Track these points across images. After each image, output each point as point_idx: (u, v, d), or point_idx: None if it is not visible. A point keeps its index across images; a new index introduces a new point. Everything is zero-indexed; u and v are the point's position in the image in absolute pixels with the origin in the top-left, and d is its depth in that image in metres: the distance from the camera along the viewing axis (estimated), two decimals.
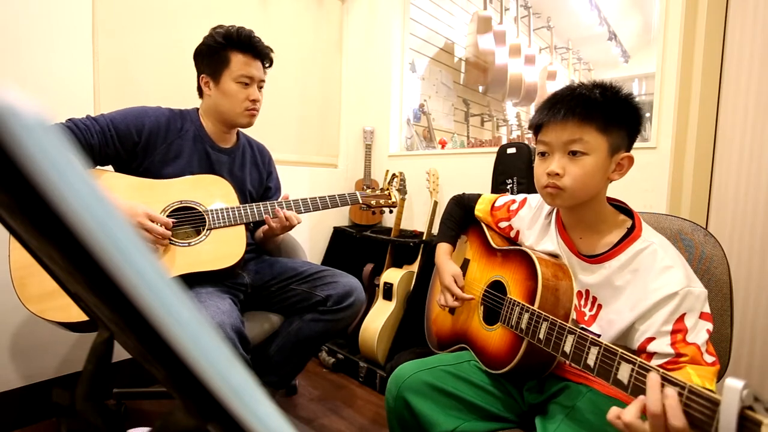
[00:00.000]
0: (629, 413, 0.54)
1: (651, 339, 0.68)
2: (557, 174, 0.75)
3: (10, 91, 0.14)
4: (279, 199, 1.29)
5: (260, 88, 1.26)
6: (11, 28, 1.25)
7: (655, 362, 0.66)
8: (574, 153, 0.74)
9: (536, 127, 0.81)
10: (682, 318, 0.66)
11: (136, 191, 1.10)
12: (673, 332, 0.66)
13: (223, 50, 1.18)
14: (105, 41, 1.46)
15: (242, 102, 1.21)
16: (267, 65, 1.27)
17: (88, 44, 1.42)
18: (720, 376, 0.81)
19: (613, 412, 0.56)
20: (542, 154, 0.79)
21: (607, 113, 0.72)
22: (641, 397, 0.54)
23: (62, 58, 1.36)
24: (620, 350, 0.59)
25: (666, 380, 0.52)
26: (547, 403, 0.81)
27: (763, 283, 1.28)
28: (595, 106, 0.72)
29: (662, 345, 0.66)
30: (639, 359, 0.57)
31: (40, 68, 1.32)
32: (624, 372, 0.58)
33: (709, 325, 0.67)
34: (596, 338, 0.64)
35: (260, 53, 1.22)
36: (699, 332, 0.66)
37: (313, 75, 2.23)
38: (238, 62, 1.19)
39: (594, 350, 0.63)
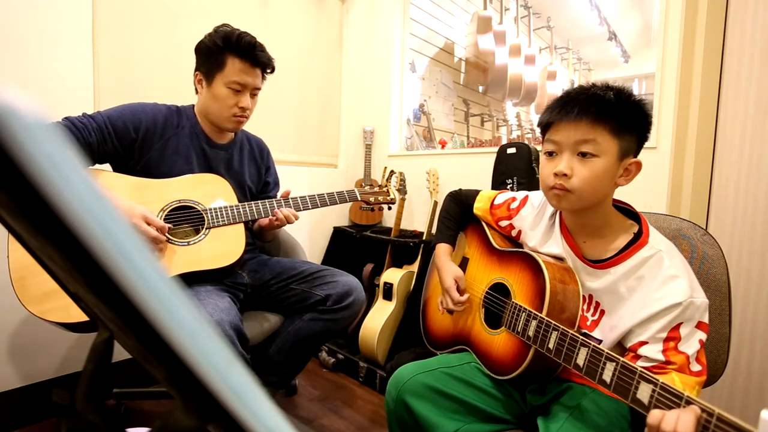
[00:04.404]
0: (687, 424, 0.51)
1: (643, 343, 0.68)
2: (565, 175, 0.72)
3: (10, 91, 0.14)
4: (279, 196, 1.29)
5: (254, 95, 1.22)
6: (11, 28, 1.25)
7: (641, 364, 0.66)
8: (584, 154, 0.71)
9: (545, 126, 0.77)
10: (678, 327, 0.67)
11: (135, 191, 1.10)
12: (667, 340, 0.67)
13: (221, 53, 1.15)
14: (105, 41, 1.46)
15: (230, 108, 1.18)
16: (269, 72, 1.24)
17: (88, 44, 1.41)
18: (718, 376, 0.81)
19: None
20: (550, 153, 0.76)
21: (621, 116, 0.71)
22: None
23: (62, 58, 1.36)
24: (639, 368, 0.59)
25: (692, 403, 0.52)
26: (550, 404, 0.80)
27: (763, 284, 1.28)
28: (610, 107, 0.70)
29: (653, 351, 0.67)
30: (660, 380, 0.56)
31: (40, 68, 1.32)
32: (644, 392, 0.57)
33: (703, 336, 0.67)
34: (612, 353, 0.63)
35: (259, 62, 1.18)
36: (692, 342, 0.66)
37: (313, 75, 2.22)
38: (234, 68, 1.15)
39: (610, 366, 0.62)
